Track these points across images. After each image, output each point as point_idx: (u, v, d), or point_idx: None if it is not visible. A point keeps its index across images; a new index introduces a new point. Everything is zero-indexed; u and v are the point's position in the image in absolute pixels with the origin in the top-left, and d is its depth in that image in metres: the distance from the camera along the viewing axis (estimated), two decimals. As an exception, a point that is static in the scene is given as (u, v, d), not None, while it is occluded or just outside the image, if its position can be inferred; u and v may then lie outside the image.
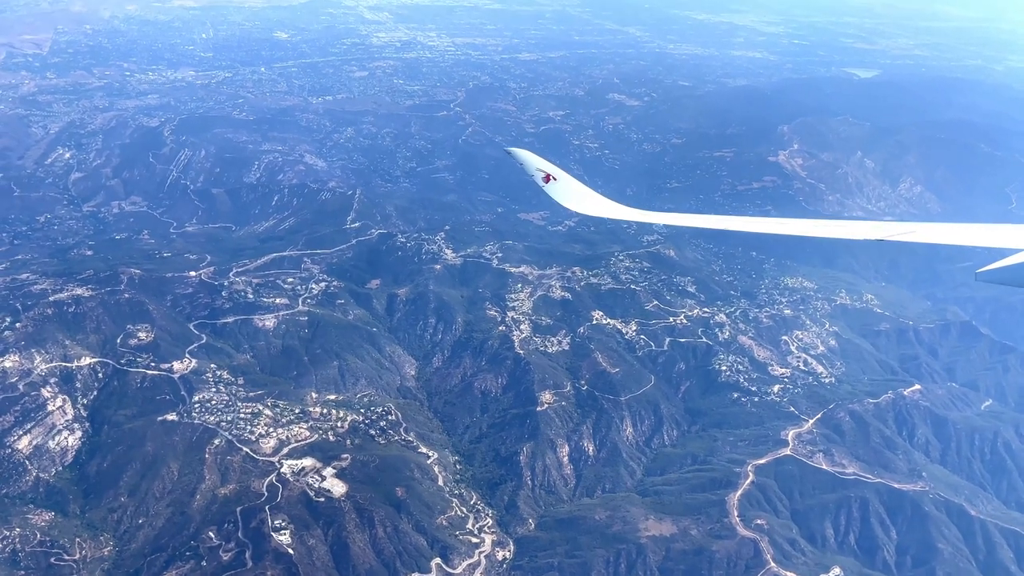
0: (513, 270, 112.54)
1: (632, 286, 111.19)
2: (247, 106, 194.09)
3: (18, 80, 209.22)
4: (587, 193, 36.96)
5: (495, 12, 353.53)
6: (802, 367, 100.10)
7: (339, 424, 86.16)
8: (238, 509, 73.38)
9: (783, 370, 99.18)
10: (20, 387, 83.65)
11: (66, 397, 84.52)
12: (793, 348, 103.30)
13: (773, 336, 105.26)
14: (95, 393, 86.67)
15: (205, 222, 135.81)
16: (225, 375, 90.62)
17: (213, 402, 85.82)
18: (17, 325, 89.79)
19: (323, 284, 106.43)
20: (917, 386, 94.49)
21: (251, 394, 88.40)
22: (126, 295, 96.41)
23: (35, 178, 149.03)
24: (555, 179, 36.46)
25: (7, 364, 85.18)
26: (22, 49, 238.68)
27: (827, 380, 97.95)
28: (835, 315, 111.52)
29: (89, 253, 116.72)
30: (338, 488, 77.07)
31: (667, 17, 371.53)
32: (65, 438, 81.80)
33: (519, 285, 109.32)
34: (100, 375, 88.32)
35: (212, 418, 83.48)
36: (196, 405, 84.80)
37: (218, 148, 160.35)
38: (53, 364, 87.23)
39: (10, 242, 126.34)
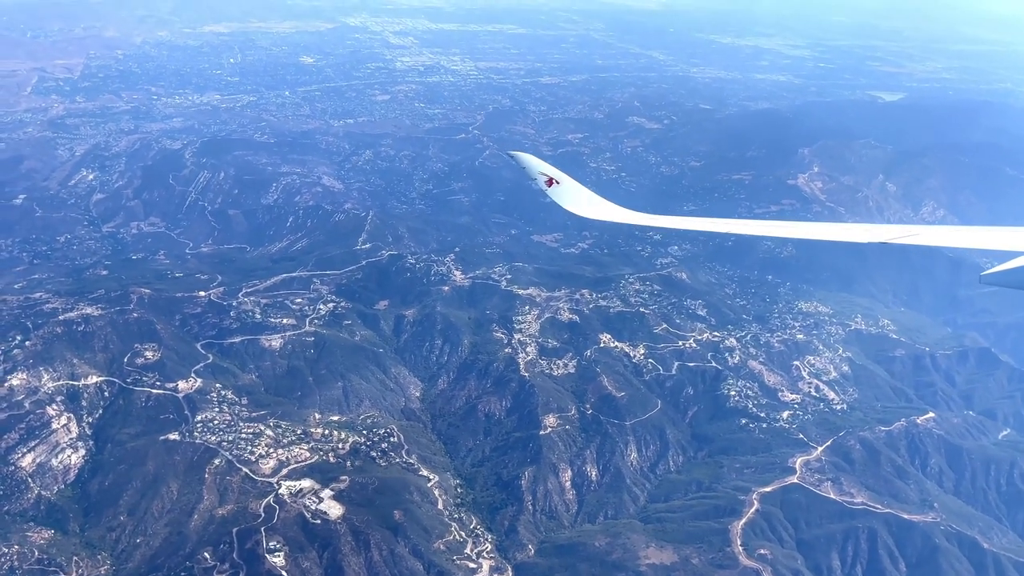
0: (521, 292, 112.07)
1: (641, 309, 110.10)
2: (269, 129, 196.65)
3: (48, 104, 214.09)
4: (590, 197, 36.95)
5: (519, 37, 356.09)
6: (813, 393, 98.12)
7: (340, 446, 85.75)
8: (234, 530, 73.02)
9: (793, 396, 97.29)
10: (26, 405, 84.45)
11: (71, 415, 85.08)
12: (805, 374, 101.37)
13: (784, 361, 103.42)
14: (100, 411, 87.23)
15: (220, 243, 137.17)
16: (229, 395, 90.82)
17: (215, 422, 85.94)
18: (27, 343, 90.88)
19: (331, 305, 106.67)
20: (931, 414, 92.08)
21: (254, 414, 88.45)
22: (135, 314, 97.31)
23: (58, 199, 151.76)
24: (558, 183, 36.39)
25: (14, 382, 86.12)
26: (54, 73, 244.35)
27: (838, 407, 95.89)
28: (849, 340, 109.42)
29: (104, 273, 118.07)
30: (335, 510, 76.47)
31: (692, 41, 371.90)
32: (68, 456, 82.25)
33: (527, 307, 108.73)
34: (106, 394, 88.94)
35: (214, 438, 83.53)
36: (199, 425, 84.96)
37: (237, 170, 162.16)
38: (60, 382, 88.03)
39: (30, 262, 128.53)
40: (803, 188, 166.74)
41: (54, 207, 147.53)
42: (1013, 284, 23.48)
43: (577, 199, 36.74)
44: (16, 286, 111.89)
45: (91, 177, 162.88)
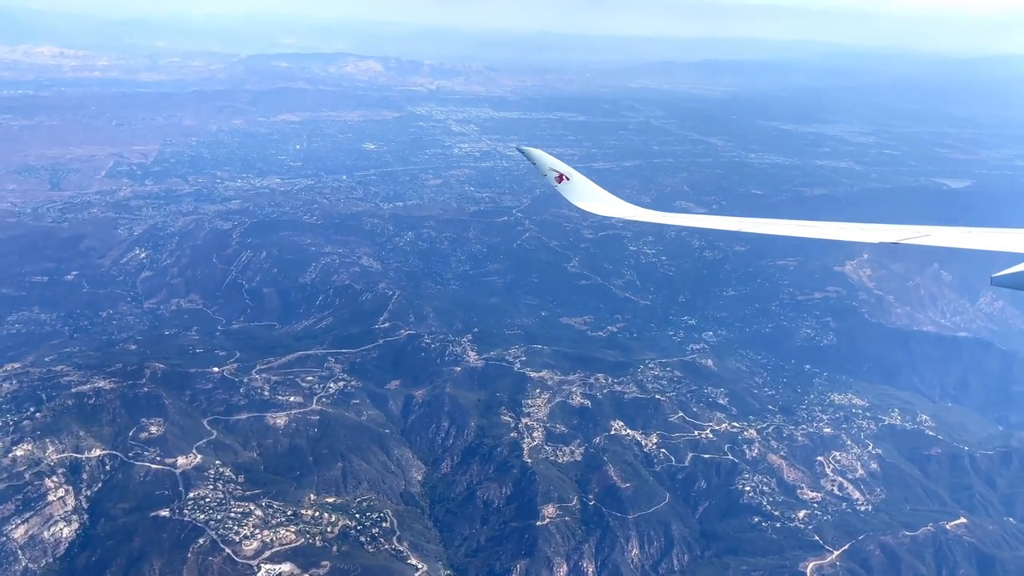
0: (533, 375, 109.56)
1: (657, 396, 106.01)
2: (319, 211, 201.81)
3: (118, 186, 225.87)
4: (600, 193, 36.90)
5: (578, 124, 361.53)
6: (836, 492, 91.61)
7: (329, 529, 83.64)
8: (205, 614, 71.36)
9: (814, 494, 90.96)
10: (26, 476, 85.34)
11: (69, 488, 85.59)
12: (828, 470, 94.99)
13: (807, 456, 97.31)
14: (100, 485, 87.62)
15: (252, 320, 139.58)
16: (227, 472, 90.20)
17: (207, 499, 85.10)
18: (37, 415, 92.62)
19: (341, 383, 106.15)
20: (963, 519, 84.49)
21: (247, 493, 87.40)
22: (145, 389, 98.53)
23: (108, 276, 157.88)
24: (568, 179, 36.27)
25: (18, 452, 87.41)
26: (129, 159, 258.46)
27: (862, 508, 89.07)
28: (881, 436, 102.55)
29: (133, 347, 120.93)
30: (309, 597, 74.07)
31: (752, 127, 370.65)
32: (60, 529, 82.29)
33: (538, 390, 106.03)
34: (107, 467, 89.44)
35: (202, 516, 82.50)
36: (190, 502, 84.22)
37: (280, 250, 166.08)
38: (64, 455, 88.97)
39: (69, 335, 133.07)
40: (850, 275, 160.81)
41: (102, 283, 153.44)
42: None
43: (587, 196, 36.45)
44: (47, 359, 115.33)
45: (143, 255, 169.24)
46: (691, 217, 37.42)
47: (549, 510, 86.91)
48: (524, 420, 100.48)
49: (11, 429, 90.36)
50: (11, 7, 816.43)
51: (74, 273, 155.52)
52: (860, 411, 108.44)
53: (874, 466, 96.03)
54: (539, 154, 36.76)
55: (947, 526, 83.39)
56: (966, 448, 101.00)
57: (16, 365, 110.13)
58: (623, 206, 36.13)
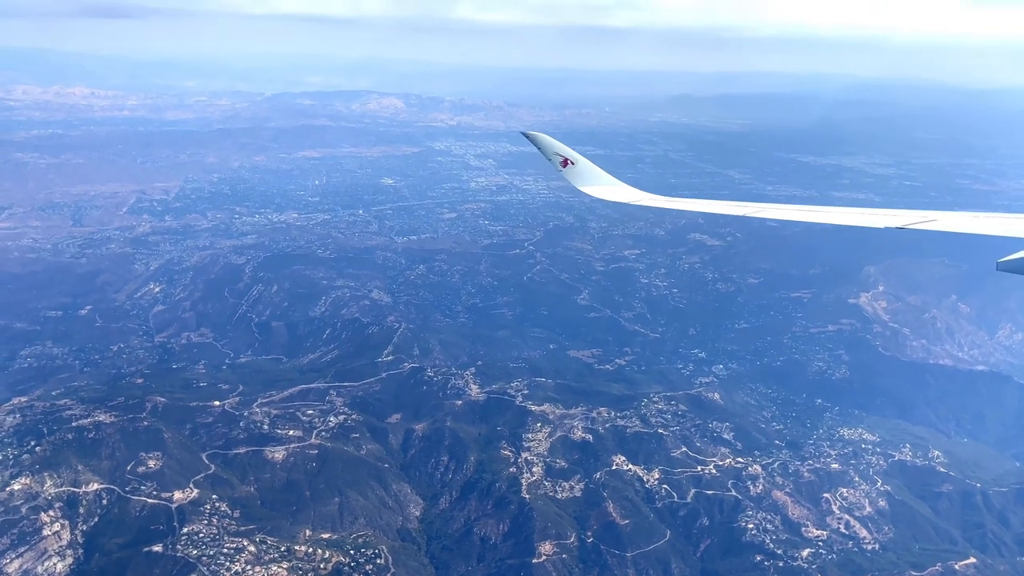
0: (535, 408, 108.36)
1: (660, 430, 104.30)
2: (333, 245, 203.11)
3: (138, 222, 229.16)
4: (605, 179, 36.69)
5: (596, 158, 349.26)
6: (842, 530, 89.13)
7: (322, 565, 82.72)
8: (192, 651, 70.52)
9: (819, 532, 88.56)
10: (23, 510, 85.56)
11: (65, 522, 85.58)
12: (835, 508, 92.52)
13: (813, 493, 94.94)
14: (96, 519, 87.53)
15: (259, 353, 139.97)
16: (223, 507, 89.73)
17: (201, 535, 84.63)
18: (37, 449, 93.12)
19: (342, 417, 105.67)
20: (973, 559, 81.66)
21: (242, 528, 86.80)
22: (145, 423, 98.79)
23: (121, 310, 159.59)
24: (573, 163, 36.01)
25: (16, 487, 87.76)
26: (151, 195, 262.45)
27: (869, 546, 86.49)
28: (891, 472, 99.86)
29: (139, 381, 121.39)
30: (297, 635, 72.99)
31: (771, 160, 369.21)
32: (54, 564, 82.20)
33: (539, 424, 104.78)
34: (104, 501, 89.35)
35: (195, 551, 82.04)
36: (183, 537, 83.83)
37: (292, 284, 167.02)
38: (62, 489, 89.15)
39: (80, 369, 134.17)
40: (864, 307, 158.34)
41: (115, 318, 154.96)
42: None
43: (591, 180, 36.35)
44: (54, 392, 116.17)
45: (157, 290, 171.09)
46: (693, 202, 37.30)
47: (546, 547, 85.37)
48: (524, 455, 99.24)
49: (10, 463, 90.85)
50: (46, 49, 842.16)
51: (88, 308, 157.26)
52: (870, 446, 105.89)
53: (882, 503, 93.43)
54: (545, 138, 36.65)
55: (956, 566, 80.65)
56: (978, 485, 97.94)
57: (23, 399, 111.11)
58: (628, 191, 36.07)
